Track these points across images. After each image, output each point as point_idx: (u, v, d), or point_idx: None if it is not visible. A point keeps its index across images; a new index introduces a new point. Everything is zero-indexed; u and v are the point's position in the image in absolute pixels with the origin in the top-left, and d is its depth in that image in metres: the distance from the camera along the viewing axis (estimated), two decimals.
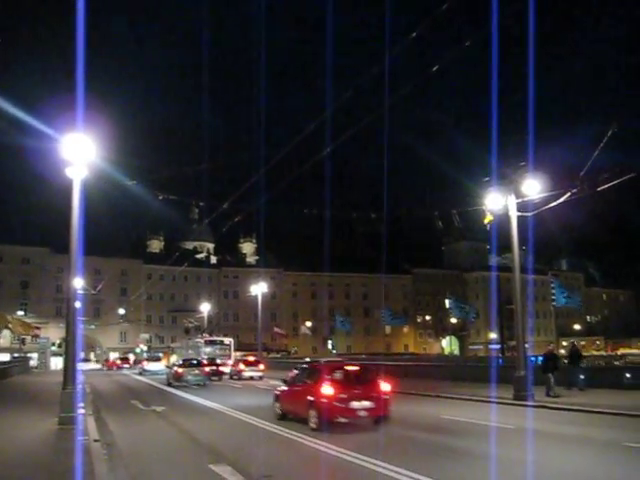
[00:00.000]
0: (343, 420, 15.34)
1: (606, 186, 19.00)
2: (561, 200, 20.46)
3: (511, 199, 21.53)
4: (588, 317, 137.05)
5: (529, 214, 21.82)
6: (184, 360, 41.58)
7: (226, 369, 48.86)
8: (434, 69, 11.57)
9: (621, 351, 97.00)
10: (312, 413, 15.69)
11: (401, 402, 24.26)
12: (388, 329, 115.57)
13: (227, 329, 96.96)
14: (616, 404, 19.28)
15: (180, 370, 37.93)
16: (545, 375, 23.21)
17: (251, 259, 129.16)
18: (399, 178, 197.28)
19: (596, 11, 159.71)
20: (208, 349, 56.86)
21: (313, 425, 15.45)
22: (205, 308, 79.81)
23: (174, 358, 53.54)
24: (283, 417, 17.75)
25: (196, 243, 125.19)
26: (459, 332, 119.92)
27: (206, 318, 79.37)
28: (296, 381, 18.21)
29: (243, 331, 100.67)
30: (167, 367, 48.19)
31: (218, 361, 48.64)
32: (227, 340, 60.54)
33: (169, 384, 38.27)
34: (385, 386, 16.43)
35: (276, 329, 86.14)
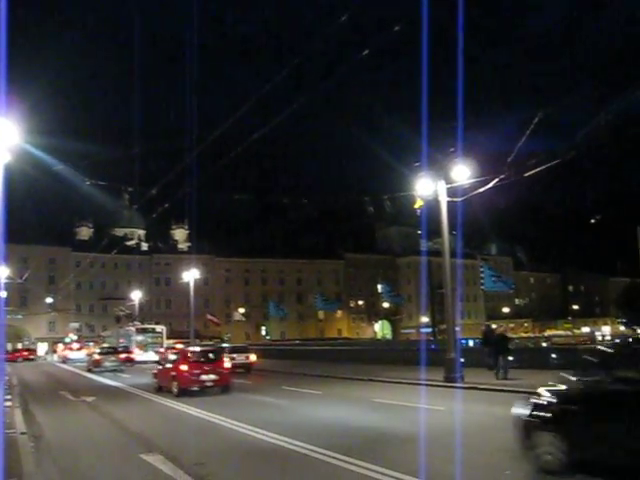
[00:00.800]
0: (195, 388, 21.79)
1: (532, 172, 19.40)
2: (489, 186, 20.82)
3: (441, 184, 21.78)
4: (517, 300, 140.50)
5: (459, 199, 22.13)
6: (102, 348, 47.26)
7: (156, 357, 49.04)
8: (364, 53, 11.58)
9: (547, 333, 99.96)
10: (174, 384, 22.06)
11: (333, 385, 24.47)
12: (321, 314, 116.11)
13: (159, 316, 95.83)
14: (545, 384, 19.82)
15: (98, 357, 42.57)
16: (495, 357, 22.83)
17: (183, 245, 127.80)
18: (333, 163, 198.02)
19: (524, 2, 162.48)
20: (140, 337, 56.26)
21: (175, 392, 21.67)
22: (136, 296, 78.63)
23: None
24: (159, 389, 23.68)
25: (126, 230, 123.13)
26: (391, 316, 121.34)
27: (137, 306, 78.24)
28: (166, 362, 24.25)
29: (176, 318, 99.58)
30: (88, 355, 50.23)
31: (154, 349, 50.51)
32: (159, 328, 60.02)
33: (89, 370, 42.07)
34: (227, 364, 23.72)
35: (209, 316, 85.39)
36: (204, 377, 21.85)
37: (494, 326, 32.63)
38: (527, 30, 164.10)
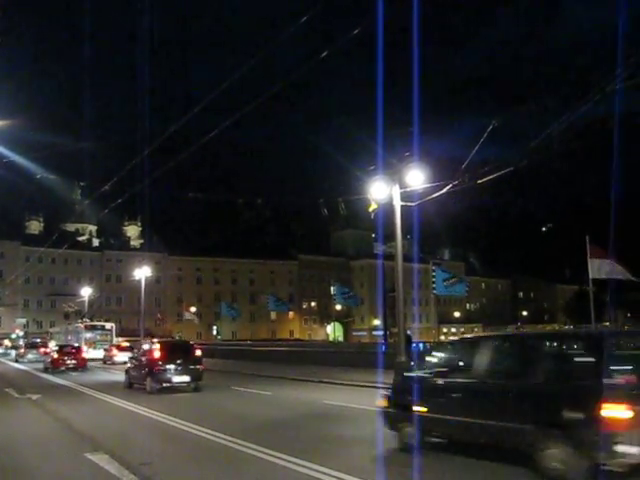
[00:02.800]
0: (62, 368, 36.80)
1: (486, 179, 19.57)
2: (443, 191, 20.95)
3: (395, 188, 21.87)
4: (468, 305, 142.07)
5: (413, 204, 22.26)
6: (26, 343, 59.95)
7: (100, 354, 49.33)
8: (323, 55, 11.54)
9: None
10: (50, 366, 37.12)
11: (283, 387, 24.41)
12: (274, 315, 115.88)
13: (109, 314, 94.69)
14: None
15: (23, 351, 54.62)
16: None
17: (136, 242, 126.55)
18: (287, 164, 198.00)
19: (481, 10, 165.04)
20: (89, 334, 55.57)
21: (50, 371, 36.43)
22: (86, 292, 77.46)
23: (52, 344, 54.91)
24: (45, 370, 37.73)
25: (78, 225, 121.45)
26: (344, 318, 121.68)
27: (87, 302, 77.09)
28: (51, 353, 40.16)
29: (126, 316, 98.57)
30: (14, 349, 63.90)
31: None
32: (108, 325, 59.27)
33: (16, 361, 53.66)
34: (84, 354, 40.88)
35: (159, 316, 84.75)
36: (68, 361, 38.01)
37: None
38: (484, 38, 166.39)
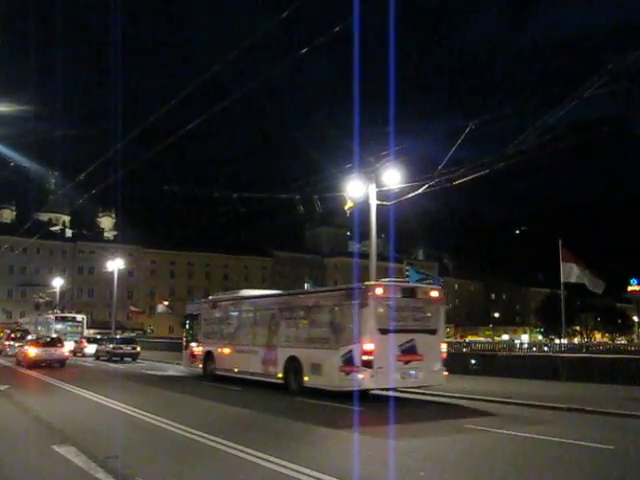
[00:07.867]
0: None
1: (461, 181, 19.69)
2: (419, 192, 21.04)
3: (372, 187, 21.94)
4: None
5: (389, 203, 22.32)
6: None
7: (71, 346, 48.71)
8: (303, 51, 11.48)
9: (469, 339, 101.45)
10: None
11: (252, 383, 24.29)
12: None
13: (81, 305, 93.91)
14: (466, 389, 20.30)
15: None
16: None
17: (109, 234, 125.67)
18: (264, 160, 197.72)
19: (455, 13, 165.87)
20: (59, 326, 54.95)
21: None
22: (58, 283, 76.74)
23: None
24: None
25: (51, 215, 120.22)
26: None
27: (58, 293, 76.39)
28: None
29: (98, 308, 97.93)
30: None
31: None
32: (79, 317, 58.70)
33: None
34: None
35: (132, 308, 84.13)
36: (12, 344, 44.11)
37: None
38: (463, 39, 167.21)
